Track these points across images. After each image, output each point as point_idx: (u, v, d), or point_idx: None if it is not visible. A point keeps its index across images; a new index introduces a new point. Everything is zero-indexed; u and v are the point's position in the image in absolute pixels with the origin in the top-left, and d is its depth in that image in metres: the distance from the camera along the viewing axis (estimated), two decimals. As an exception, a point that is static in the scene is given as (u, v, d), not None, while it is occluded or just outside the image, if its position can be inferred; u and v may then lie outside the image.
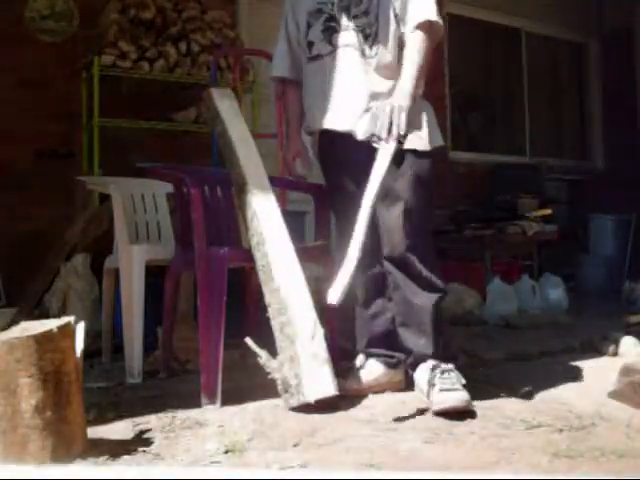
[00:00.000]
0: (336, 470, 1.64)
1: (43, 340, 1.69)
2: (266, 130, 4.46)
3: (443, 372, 2.23)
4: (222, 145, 2.58)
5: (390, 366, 2.46)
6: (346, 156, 2.43)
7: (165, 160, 3.33)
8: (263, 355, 2.24)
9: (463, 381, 2.24)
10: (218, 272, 2.38)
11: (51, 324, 1.76)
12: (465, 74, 6.57)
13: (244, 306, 2.98)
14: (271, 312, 2.26)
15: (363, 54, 2.39)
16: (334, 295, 2.02)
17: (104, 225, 3.50)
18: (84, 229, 3.67)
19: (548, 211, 5.33)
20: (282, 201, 3.61)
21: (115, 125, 4.15)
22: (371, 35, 2.38)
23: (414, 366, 2.34)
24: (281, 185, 3.39)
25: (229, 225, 2.86)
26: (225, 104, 2.61)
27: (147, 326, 2.81)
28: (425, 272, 2.32)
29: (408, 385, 2.42)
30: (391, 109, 2.26)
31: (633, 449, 1.76)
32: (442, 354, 2.31)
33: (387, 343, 2.46)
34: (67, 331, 1.76)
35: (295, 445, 1.84)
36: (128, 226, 3.01)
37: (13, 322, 2.78)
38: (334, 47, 2.41)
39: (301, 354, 2.15)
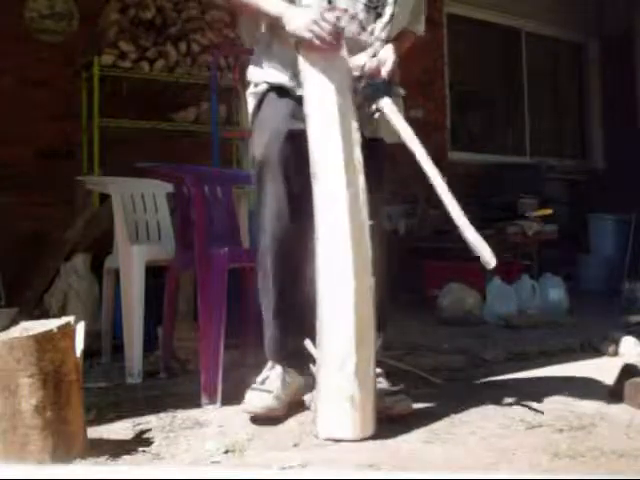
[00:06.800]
0: (336, 470, 1.64)
1: (43, 340, 1.69)
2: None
3: (378, 376, 2.09)
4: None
5: None
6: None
7: (165, 160, 3.33)
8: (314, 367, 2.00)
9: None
10: (218, 272, 2.38)
11: (51, 324, 1.76)
12: (465, 74, 6.57)
13: (244, 306, 2.98)
14: (317, 324, 1.98)
15: (366, 32, 2.11)
16: (490, 257, 1.89)
17: (104, 225, 3.49)
18: (84, 229, 3.67)
19: (548, 211, 5.32)
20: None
21: (115, 125, 4.15)
22: (382, 16, 2.12)
23: None
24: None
25: (229, 225, 2.86)
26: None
27: (147, 326, 2.81)
28: None
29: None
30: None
31: (633, 449, 1.76)
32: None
33: None
34: (67, 331, 1.76)
35: (295, 445, 1.84)
36: (128, 226, 3.01)
37: (13, 322, 2.78)
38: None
39: (323, 384, 1.92)
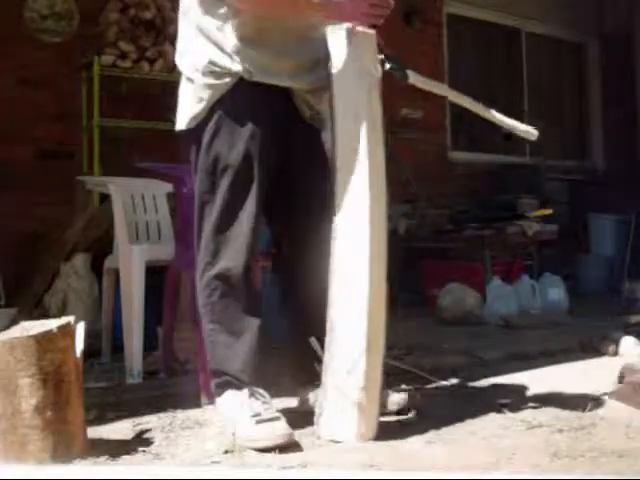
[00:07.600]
0: (336, 470, 1.64)
1: (43, 340, 1.69)
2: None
3: None
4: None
5: None
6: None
7: (165, 160, 3.33)
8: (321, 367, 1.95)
9: None
10: (218, 272, 2.37)
11: (51, 324, 1.76)
12: (465, 74, 6.56)
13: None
14: (327, 325, 1.91)
15: None
16: (529, 129, 2.14)
17: (104, 225, 3.49)
18: (84, 229, 3.67)
19: (548, 211, 5.32)
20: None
21: (115, 125, 4.15)
22: None
23: None
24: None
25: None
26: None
27: (147, 326, 2.81)
28: None
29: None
30: None
31: (633, 449, 1.76)
32: None
33: None
34: (67, 331, 1.76)
35: (295, 445, 1.83)
36: (128, 226, 3.01)
37: (13, 322, 2.78)
38: None
39: (329, 387, 1.89)
